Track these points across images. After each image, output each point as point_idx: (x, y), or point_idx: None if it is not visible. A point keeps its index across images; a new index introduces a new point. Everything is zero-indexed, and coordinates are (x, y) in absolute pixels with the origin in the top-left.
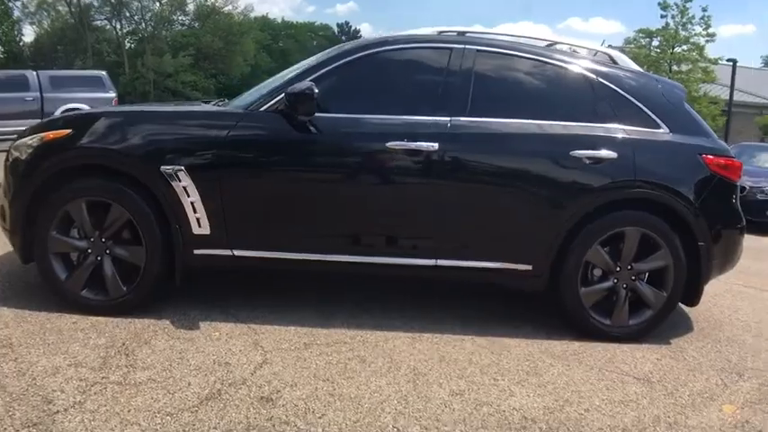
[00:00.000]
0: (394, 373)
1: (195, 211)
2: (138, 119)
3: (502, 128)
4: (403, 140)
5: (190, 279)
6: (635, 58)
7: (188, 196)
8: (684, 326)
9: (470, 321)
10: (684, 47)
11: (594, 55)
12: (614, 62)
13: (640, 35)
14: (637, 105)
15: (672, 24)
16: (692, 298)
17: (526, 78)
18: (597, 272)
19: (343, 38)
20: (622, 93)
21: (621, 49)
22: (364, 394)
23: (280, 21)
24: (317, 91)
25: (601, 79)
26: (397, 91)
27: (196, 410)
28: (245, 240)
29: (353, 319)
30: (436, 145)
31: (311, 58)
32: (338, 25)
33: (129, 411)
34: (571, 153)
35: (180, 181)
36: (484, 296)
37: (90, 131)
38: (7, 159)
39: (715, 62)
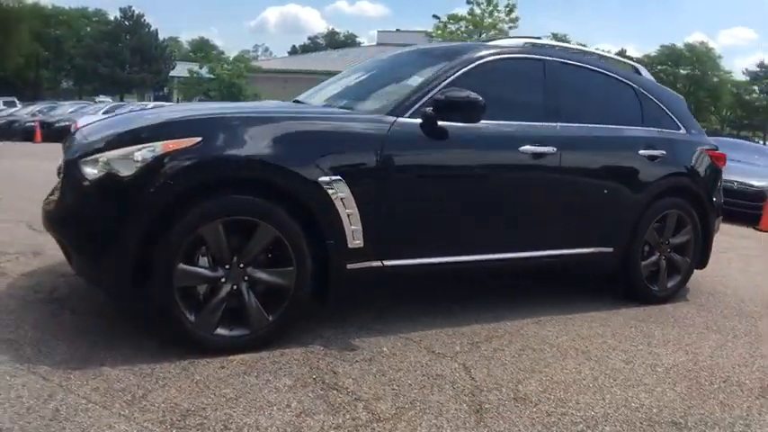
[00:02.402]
0: (568, 355)
1: (351, 224)
2: (284, 124)
3: (592, 132)
4: (533, 145)
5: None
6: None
7: (345, 208)
8: None
9: (546, 304)
10: (492, 32)
11: (623, 66)
12: (639, 73)
13: (450, 21)
14: (665, 111)
15: (478, 11)
16: (703, 262)
17: (597, 88)
18: (647, 248)
19: (127, 22)
20: (655, 100)
21: (429, 35)
22: (576, 377)
23: (50, 7)
24: (482, 100)
25: (642, 90)
26: (511, 98)
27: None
28: (395, 249)
29: (468, 316)
30: (554, 148)
31: (410, 56)
32: (121, 9)
33: None
34: (639, 152)
35: (338, 192)
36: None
37: (228, 139)
38: (81, 179)
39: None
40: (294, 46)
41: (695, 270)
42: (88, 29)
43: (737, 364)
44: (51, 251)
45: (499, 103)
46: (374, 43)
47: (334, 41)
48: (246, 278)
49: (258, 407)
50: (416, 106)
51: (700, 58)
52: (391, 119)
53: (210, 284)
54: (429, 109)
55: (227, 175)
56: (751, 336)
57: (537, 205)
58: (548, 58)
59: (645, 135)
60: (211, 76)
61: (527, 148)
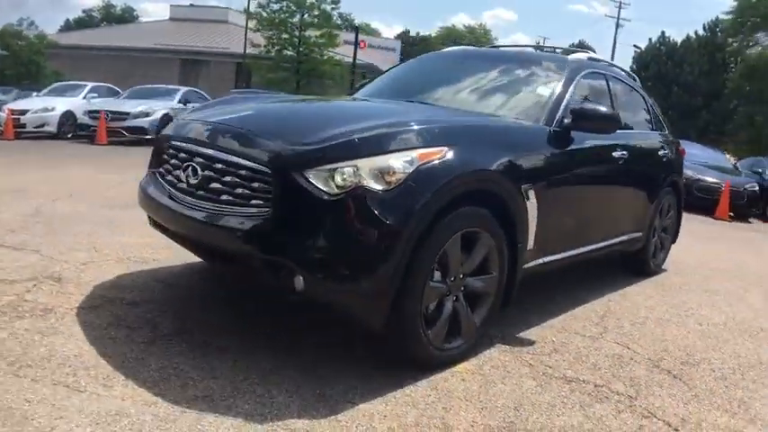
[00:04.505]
0: (661, 323)
1: (532, 227)
2: (499, 133)
3: (638, 137)
4: (618, 151)
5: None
6: (270, 22)
7: (531, 212)
8: None
9: (595, 286)
10: (315, 13)
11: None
12: (635, 80)
13: (272, 1)
14: (657, 115)
15: None
16: (676, 238)
17: (629, 98)
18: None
19: None
20: (653, 107)
21: (250, 14)
22: (689, 342)
23: None
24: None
25: (646, 98)
26: None
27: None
28: (550, 247)
29: (558, 302)
30: (626, 152)
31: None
32: None
33: None
34: (659, 153)
35: (530, 198)
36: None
37: (466, 149)
38: (314, 193)
39: (340, 28)
40: (68, 20)
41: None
42: None
43: (755, 316)
44: (70, 273)
45: None
46: (166, 18)
47: (111, 15)
48: (463, 288)
49: (546, 409)
50: (557, 116)
51: (479, 39)
52: (548, 128)
53: (439, 299)
54: (568, 120)
55: (470, 188)
56: (734, 293)
57: (618, 201)
58: (606, 72)
59: (658, 138)
60: (4, 52)
61: (616, 153)
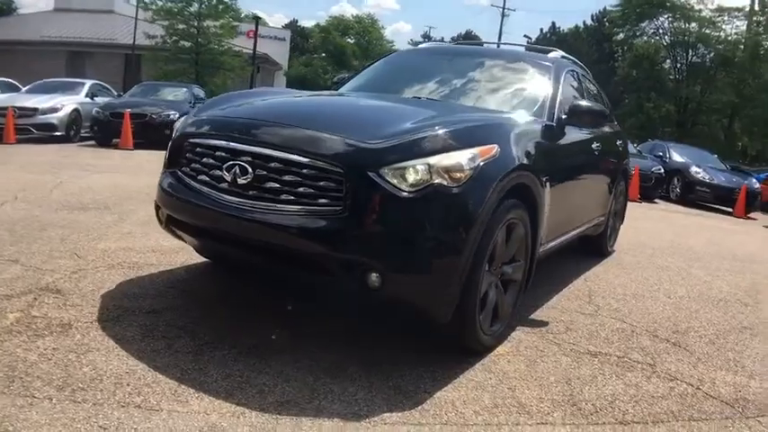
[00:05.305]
0: (641, 298)
1: (545, 216)
2: (528, 131)
3: (604, 129)
4: (596, 142)
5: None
6: (166, 12)
7: (546, 203)
8: None
9: (568, 269)
10: (213, 2)
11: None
12: (588, 74)
13: None
14: (610, 107)
15: None
16: (623, 220)
17: (593, 93)
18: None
19: None
20: (606, 100)
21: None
22: (670, 313)
23: None
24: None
25: (600, 91)
26: None
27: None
28: (552, 234)
29: (547, 283)
30: (600, 144)
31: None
32: None
33: None
34: (616, 143)
35: (546, 189)
36: None
37: (511, 146)
38: (390, 191)
39: (240, 19)
40: None
41: None
42: None
43: (708, 288)
44: (66, 283)
45: None
46: (50, 8)
47: None
48: (501, 275)
49: (590, 381)
50: (555, 113)
51: (366, 29)
52: (552, 123)
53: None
54: (563, 115)
55: (515, 182)
56: (682, 269)
57: (593, 188)
58: (576, 69)
59: (614, 129)
60: None
61: (595, 144)
